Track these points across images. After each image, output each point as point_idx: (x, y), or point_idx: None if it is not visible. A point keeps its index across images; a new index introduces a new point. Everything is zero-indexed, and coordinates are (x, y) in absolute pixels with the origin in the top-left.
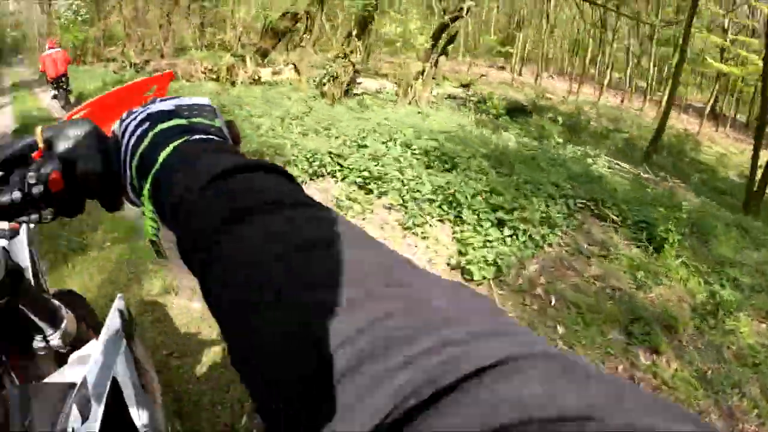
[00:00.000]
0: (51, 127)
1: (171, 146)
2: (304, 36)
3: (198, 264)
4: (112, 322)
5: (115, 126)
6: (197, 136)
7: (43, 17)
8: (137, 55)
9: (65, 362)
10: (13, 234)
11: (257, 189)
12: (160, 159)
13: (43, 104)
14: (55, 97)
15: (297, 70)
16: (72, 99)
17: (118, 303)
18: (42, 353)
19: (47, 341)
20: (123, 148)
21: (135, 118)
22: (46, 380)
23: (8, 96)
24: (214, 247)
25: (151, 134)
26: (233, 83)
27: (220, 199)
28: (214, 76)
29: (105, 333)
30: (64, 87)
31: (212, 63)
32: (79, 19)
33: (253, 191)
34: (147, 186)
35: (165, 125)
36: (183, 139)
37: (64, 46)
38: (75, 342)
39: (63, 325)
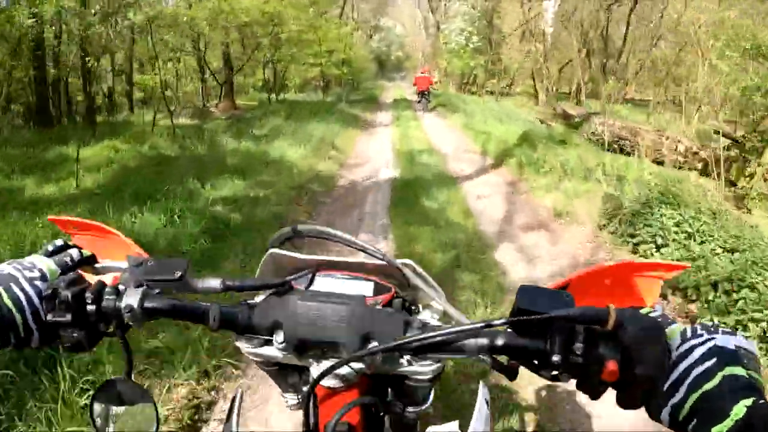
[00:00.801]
0: (628, 311)
1: (742, 404)
2: None
3: None
4: (481, 407)
5: (674, 334)
6: (762, 401)
7: (427, 42)
8: (547, 97)
9: None
10: None
11: None
12: (732, 415)
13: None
14: (418, 101)
15: None
16: (429, 107)
17: (483, 392)
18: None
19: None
20: (675, 366)
21: (701, 344)
22: None
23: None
24: None
25: (719, 375)
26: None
27: None
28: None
29: (475, 418)
30: (426, 98)
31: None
32: (470, 46)
33: None
34: None
35: (730, 371)
36: (751, 400)
37: (451, 73)
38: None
39: (428, 404)
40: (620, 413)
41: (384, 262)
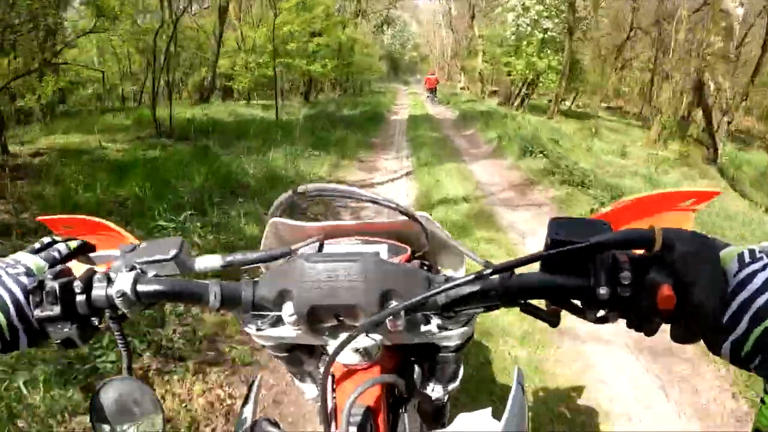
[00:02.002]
0: (673, 230)
1: None
2: None
3: None
4: (517, 394)
5: (730, 258)
6: None
7: (448, 38)
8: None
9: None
10: None
11: None
12: None
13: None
14: (428, 97)
15: None
16: (436, 100)
17: (518, 375)
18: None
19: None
20: (735, 294)
21: (762, 268)
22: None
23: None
24: None
25: None
26: None
27: None
28: None
29: (510, 405)
30: (434, 95)
31: None
32: (540, 35)
33: None
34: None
35: None
36: None
37: (495, 78)
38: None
39: (457, 382)
40: None
41: (399, 219)
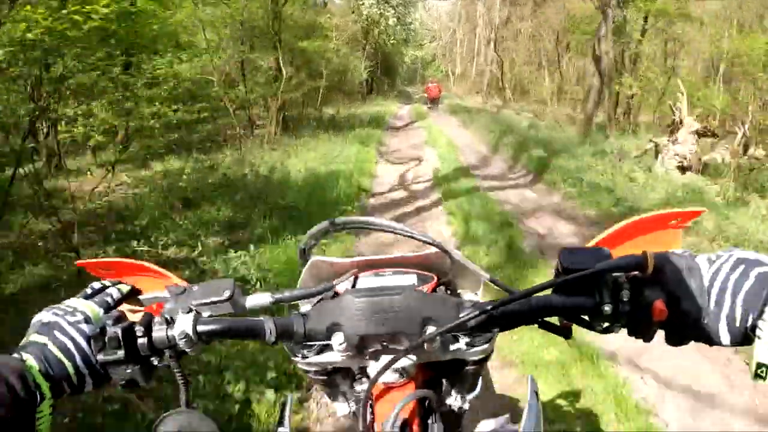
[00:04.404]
0: (661, 254)
1: None
2: None
3: None
4: (532, 400)
5: (702, 263)
6: None
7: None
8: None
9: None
10: None
11: None
12: None
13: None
14: (429, 107)
15: None
16: (438, 109)
17: (532, 384)
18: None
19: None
20: (712, 284)
21: (726, 260)
22: None
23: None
24: None
25: (752, 275)
26: None
27: None
28: None
29: (527, 411)
30: (436, 104)
31: None
32: None
33: None
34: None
35: (759, 270)
36: None
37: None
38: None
39: (477, 391)
40: None
41: (424, 252)
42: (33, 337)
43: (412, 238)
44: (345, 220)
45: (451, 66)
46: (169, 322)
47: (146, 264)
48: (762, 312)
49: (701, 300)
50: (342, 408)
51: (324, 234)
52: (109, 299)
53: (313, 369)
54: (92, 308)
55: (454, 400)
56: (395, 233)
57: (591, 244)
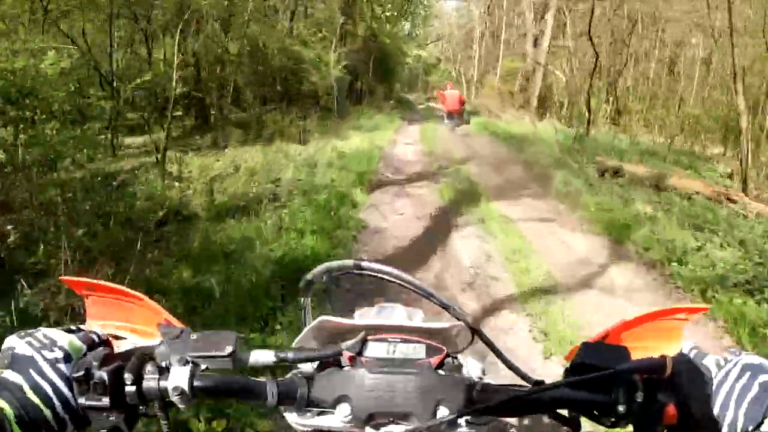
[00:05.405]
0: (677, 358)
1: None
2: None
3: None
4: None
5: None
6: None
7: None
8: None
9: None
10: None
11: None
12: None
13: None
14: (447, 124)
15: None
16: (464, 125)
17: None
18: None
19: None
20: (719, 391)
21: (734, 365)
22: None
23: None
24: None
25: (756, 384)
26: None
27: None
28: None
29: None
30: (459, 121)
31: None
32: None
33: None
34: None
35: (764, 378)
36: None
37: None
38: None
39: None
40: None
41: (438, 325)
42: (6, 373)
43: (442, 306)
44: (371, 265)
45: (463, 69)
46: (162, 371)
47: (140, 295)
48: (761, 423)
49: (708, 406)
50: None
51: (343, 274)
52: (94, 336)
53: (308, 429)
54: (73, 342)
55: None
56: (420, 294)
57: (599, 335)
